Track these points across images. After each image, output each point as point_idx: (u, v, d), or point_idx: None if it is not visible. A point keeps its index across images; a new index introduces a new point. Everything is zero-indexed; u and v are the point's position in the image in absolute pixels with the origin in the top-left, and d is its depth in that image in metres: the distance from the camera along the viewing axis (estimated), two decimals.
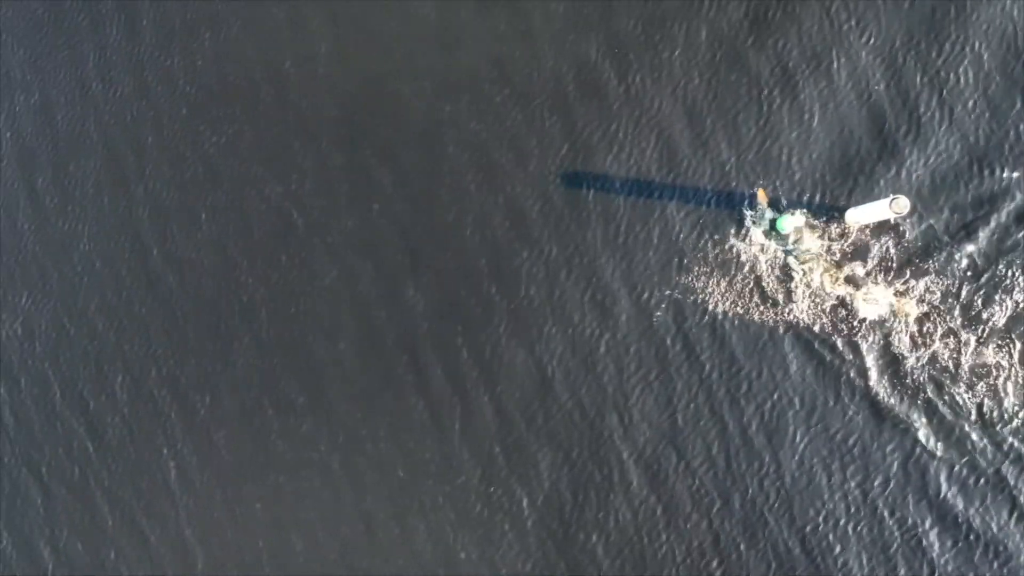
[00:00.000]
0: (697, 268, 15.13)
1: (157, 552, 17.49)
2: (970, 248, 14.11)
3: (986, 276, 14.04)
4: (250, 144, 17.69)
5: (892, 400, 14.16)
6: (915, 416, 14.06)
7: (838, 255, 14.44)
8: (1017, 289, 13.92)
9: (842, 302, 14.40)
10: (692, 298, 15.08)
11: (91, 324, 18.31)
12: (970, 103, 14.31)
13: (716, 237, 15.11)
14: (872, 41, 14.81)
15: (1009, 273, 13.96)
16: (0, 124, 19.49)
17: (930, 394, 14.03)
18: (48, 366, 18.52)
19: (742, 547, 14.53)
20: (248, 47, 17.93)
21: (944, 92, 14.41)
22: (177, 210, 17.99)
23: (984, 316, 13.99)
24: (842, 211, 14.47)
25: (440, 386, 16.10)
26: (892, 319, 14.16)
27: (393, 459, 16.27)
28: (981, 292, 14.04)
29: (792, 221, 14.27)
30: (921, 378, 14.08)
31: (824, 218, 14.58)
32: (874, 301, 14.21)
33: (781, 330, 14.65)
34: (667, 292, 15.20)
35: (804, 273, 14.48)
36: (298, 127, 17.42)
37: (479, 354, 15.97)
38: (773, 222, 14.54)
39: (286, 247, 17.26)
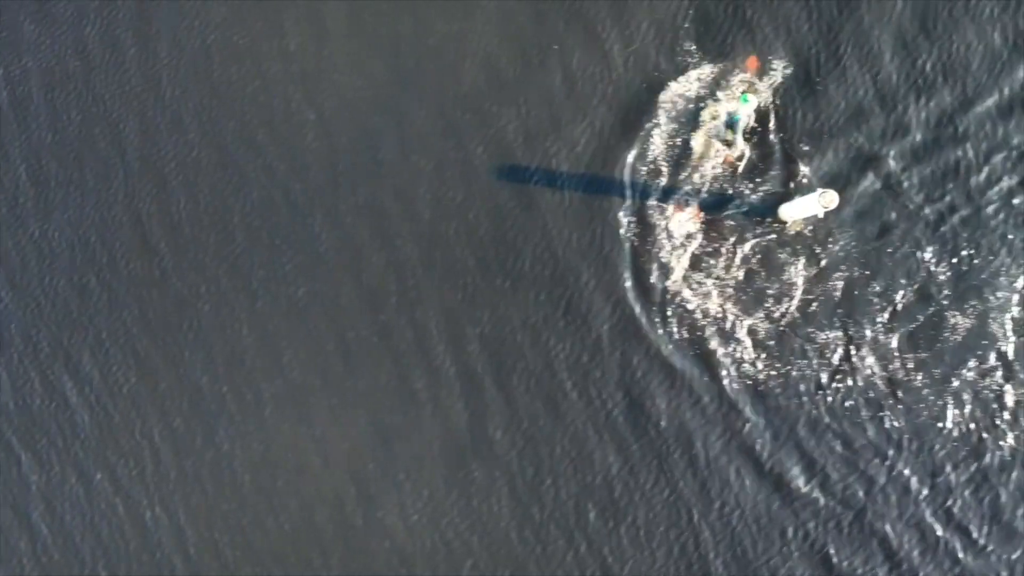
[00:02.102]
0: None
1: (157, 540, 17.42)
2: None
3: None
4: (263, 131, 17.70)
5: None
6: None
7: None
8: None
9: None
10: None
11: (95, 304, 17.94)
12: None
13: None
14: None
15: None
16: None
17: None
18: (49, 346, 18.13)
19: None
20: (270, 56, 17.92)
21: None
22: (194, 199, 17.88)
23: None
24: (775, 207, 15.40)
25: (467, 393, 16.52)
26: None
27: (429, 455, 16.55)
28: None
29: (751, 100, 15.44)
30: None
31: None
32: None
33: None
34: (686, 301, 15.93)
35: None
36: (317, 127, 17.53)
37: (503, 375, 16.40)
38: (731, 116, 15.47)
39: (287, 239, 17.40)
